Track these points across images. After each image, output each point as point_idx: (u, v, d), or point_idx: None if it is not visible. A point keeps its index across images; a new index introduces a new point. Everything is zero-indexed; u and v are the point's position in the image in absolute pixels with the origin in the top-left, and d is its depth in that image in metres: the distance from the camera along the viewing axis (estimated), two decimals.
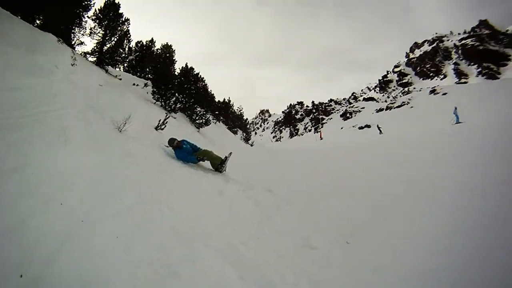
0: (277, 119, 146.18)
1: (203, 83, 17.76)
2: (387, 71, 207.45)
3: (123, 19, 13.52)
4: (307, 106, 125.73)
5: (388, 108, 72.51)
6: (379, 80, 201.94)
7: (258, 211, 5.81)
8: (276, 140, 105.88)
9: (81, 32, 12.04)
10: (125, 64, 16.00)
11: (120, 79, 11.61)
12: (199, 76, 16.42)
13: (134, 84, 12.28)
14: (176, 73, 14.95)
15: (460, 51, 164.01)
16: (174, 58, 16.52)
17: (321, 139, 52.36)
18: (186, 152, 7.55)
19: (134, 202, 3.79)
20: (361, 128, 58.36)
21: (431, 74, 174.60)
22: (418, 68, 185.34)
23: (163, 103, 11.69)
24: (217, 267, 3.21)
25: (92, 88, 8.02)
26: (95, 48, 12.14)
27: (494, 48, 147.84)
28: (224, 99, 22.74)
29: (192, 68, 15.53)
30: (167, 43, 16.95)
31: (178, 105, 12.40)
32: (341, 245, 5.08)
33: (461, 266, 4.03)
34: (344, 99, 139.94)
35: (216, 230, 4.17)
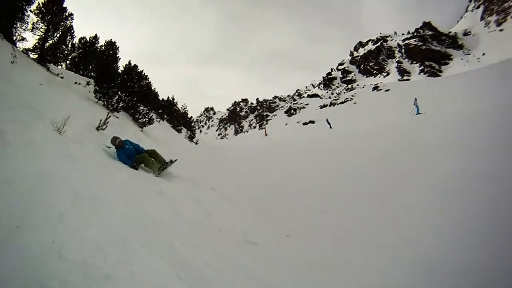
0: (222, 116, 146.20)
1: (147, 81, 17.45)
2: (331, 69, 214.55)
3: (67, 14, 12.85)
4: (251, 103, 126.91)
5: (332, 104, 75.46)
6: (323, 77, 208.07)
7: (198, 209, 5.85)
8: (221, 138, 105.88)
9: (23, 27, 11.43)
10: (68, 62, 15.24)
11: (62, 77, 11.14)
12: (143, 74, 16.06)
13: (76, 83, 11.81)
14: (119, 71, 14.59)
15: (403, 50, 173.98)
16: (118, 56, 15.95)
17: (266, 135, 53.08)
18: (127, 154, 7.36)
19: (71, 205, 3.64)
20: (305, 124, 60.13)
21: (374, 71, 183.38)
22: (362, 66, 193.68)
23: (105, 102, 11.38)
24: (155, 267, 3.22)
25: (32, 88, 7.68)
26: (36, 44, 11.45)
27: (437, 48, 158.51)
28: (168, 98, 22.45)
29: (136, 66, 15.18)
30: (111, 39, 16.27)
31: (121, 104, 12.10)
32: (280, 240, 5.36)
33: (388, 260, 4.52)
34: (288, 96, 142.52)
35: (155, 229, 4.13)
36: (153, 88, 18.76)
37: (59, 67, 13.69)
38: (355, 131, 22.33)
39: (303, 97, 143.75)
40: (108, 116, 8.63)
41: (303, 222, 6.27)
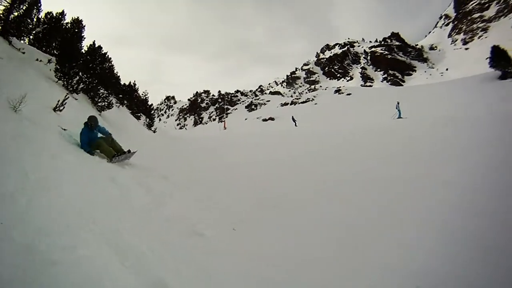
0: (182, 106, 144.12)
1: (110, 64, 17.03)
2: (296, 68, 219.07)
3: None
4: (213, 95, 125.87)
5: (293, 103, 76.88)
6: (287, 75, 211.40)
7: (149, 198, 5.87)
8: (180, 128, 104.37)
9: None
10: (31, 37, 14.48)
11: (24, 52, 10.66)
12: (106, 56, 15.67)
13: (37, 60, 11.38)
14: (83, 51, 14.13)
15: (369, 57, 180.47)
16: (83, 35, 15.26)
17: (225, 129, 53.04)
18: (90, 138, 7.25)
19: (21, 187, 3.57)
20: (265, 120, 60.98)
21: (338, 75, 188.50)
22: (327, 68, 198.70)
23: (65, 82, 11.04)
24: (100, 253, 3.22)
25: None
26: (0, 15, 10.87)
27: (402, 59, 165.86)
28: (130, 83, 21.84)
29: (100, 47, 14.73)
30: (77, 17, 15.58)
31: (81, 86, 11.74)
32: (228, 232, 5.43)
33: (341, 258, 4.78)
34: (250, 91, 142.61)
35: (103, 216, 4.11)
36: (115, 71, 18.35)
37: (22, 41, 13.09)
38: (314, 131, 22.98)
39: (265, 93, 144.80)
40: (67, 97, 8.34)
41: (252, 216, 6.39)
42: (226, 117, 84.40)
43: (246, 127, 50.13)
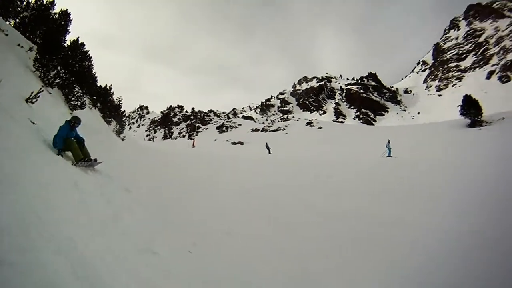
0: (154, 118, 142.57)
1: (90, 63, 16.79)
2: (271, 96, 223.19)
3: None
4: (186, 111, 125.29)
5: (264, 130, 77.67)
6: (261, 102, 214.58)
7: (108, 208, 5.75)
8: (149, 139, 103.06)
9: None
10: (17, 20, 14.10)
11: (7, 35, 10.36)
12: (87, 54, 15.53)
13: (19, 45, 11.10)
14: (65, 45, 13.86)
15: (344, 94, 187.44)
16: (68, 29, 15.13)
17: (194, 147, 52.86)
18: (68, 135, 7.10)
19: None
20: (234, 143, 61.15)
21: (312, 108, 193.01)
22: (302, 100, 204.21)
23: (42, 74, 10.82)
24: (51, 260, 3.13)
25: None
26: None
27: (376, 99, 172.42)
28: (106, 86, 21.55)
29: (82, 44, 14.63)
30: (66, 10, 15.38)
31: (57, 80, 11.55)
32: (183, 253, 5.46)
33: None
34: (224, 112, 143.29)
35: (59, 221, 4.00)
36: (93, 72, 18.07)
37: (7, 23, 12.73)
38: (284, 158, 23.33)
39: (238, 116, 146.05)
40: (41, 90, 8.14)
41: (208, 239, 6.41)
42: (196, 135, 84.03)
43: (215, 148, 50.11)
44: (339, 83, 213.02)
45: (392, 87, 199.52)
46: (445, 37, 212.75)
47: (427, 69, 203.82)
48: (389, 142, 28.06)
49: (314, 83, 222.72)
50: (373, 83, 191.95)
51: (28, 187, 4.21)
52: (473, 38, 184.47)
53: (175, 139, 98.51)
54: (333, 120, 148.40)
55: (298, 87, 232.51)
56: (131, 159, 14.98)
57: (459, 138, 33.32)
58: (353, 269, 5.45)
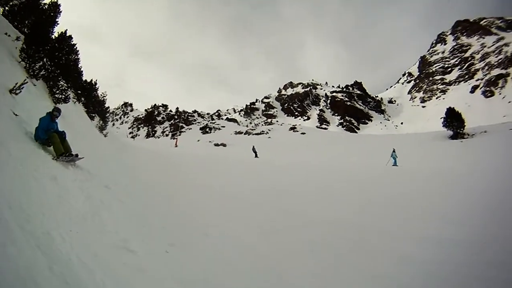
0: (138, 115, 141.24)
1: (76, 57, 16.58)
2: (256, 99, 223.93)
3: None
4: (170, 111, 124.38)
5: (247, 133, 78.09)
6: (246, 105, 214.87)
7: (87, 204, 5.73)
8: (132, 137, 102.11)
9: None
10: (7, 8, 13.83)
11: None
12: (74, 48, 15.37)
13: (6, 34, 10.90)
14: (53, 36, 13.67)
15: (329, 101, 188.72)
16: (57, 20, 14.91)
17: (176, 146, 52.63)
18: (49, 127, 7.06)
19: None
20: (216, 145, 61.01)
21: (296, 113, 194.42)
22: (286, 105, 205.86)
23: (27, 65, 10.69)
24: (28, 253, 3.16)
25: None
26: None
27: (360, 107, 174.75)
28: (91, 80, 21.27)
29: (70, 37, 14.47)
30: (56, 1, 15.15)
31: (43, 72, 11.41)
32: (160, 252, 5.46)
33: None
34: (208, 113, 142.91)
35: (37, 215, 4.01)
36: (79, 66, 17.87)
37: None
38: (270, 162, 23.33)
39: (222, 118, 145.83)
40: (25, 81, 8.04)
41: (185, 240, 6.42)
42: (179, 135, 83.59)
43: (197, 149, 49.96)
44: (324, 90, 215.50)
45: (377, 96, 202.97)
46: (432, 50, 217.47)
47: (412, 81, 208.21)
48: (394, 151, 27.37)
49: (299, 89, 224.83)
50: (358, 92, 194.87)
51: (8, 180, 4.22)
52: (459, 53, 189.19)
53: (158, 138, 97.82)
54: (317, 126, 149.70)
55: (283, 92, 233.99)
56: (113, 156, 14.87)
57: (443, 149, 33.95)
58: (330, 275, 5.51)
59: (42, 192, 4.80)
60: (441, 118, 48.44)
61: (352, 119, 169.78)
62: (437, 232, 7.42)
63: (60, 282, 3.12)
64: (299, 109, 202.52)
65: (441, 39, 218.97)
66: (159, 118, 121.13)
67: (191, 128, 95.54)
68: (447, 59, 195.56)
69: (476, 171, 18.10)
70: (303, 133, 71.32)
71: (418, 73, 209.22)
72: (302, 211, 9.80)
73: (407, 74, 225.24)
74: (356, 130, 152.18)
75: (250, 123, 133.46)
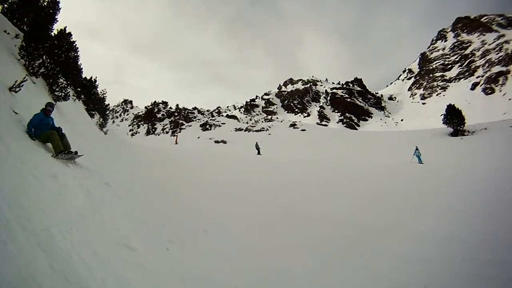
0: (138, 112, 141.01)
1: (76, 54, 16.54)
2: (256, 96, 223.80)
3: None
4: (170, 108, 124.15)
5: (247, 129, 77.87)
6: (246, 102, 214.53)
7: (87, 202, 5.73)
8: (132, 134, 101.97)
9: None
10: (6, 5, 13.77)
11: None
12: (74, 45, 15.34)
13: (5, 31, 10.88)
14: (52, 34, 13.64)
15: (329, 98, 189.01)
16: (56, 17, 14.87)
17: (176, 143, 52.57)
18: (41, 124, 7.01)
19: None
20: (217, 142, 60.72)
21: (296, 110, 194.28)
22: (287, 101, 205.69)
23: (27, 62, 10.67)
24: (29, 251, 3.17)
25: None
26: None
27: (361, 104, 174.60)
28: (91, 78, 21.23)
29: (69, 34, 14.43)
30: None
31: (42, 70, 11.39)
32: (161, 250, 5.45)
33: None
34: (208, 110, 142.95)
35: (37, 213, 4.02)
36: (79, 63, 17.83)
37: None
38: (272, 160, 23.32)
39: (222, 115, 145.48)
40: (25, 79, 8.02)
41: (185, 237, 6.43)
42: (179, 132, 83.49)
43: (197, 146, 49.86)
44: (324, 87, 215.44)
45: (377, 93, 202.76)
46: (432, 47, 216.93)
47: (413, 77, 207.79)
48: (417, 148, 26.86)
49: (299, 86, 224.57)
50: (358, 88, 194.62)
51: (8, 177, 4.22)
52: (460, 50, 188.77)
53: (158, 135, 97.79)
54: (317, 123, 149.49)
55: (283, 88, 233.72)
56: (113, 154, 14.87)
57: (443, 146, 33.92)
58: (329, 274, 5.52)
59: (42, 190, 4.80)
60: (441, 115, 48.47)
61: (352, 115, 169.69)
62: (438, 231, 7.45)
63: (60, 279, 3.13)
64: (299, 106, 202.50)
65: (441, 35, 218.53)
66: (159, 115, 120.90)
67: (191, 125, 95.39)
68: (447, 56, 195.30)
69: (477, 169, 18.10)
70: (303, 130, 71.24)
71: (418, 70, 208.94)
72: (302, 209, 9.82)
73: (407, 71, 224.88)
74: (356, 127, 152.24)
75: (250, 119, 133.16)
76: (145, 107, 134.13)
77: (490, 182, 13.10)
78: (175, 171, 14.94)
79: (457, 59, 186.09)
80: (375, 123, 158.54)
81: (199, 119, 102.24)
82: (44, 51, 11.34)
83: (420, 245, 6.63)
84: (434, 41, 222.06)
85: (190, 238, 6.44)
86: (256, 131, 74.93)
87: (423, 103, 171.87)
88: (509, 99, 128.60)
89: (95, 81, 21.26)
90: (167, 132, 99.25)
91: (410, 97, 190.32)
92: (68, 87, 13.60)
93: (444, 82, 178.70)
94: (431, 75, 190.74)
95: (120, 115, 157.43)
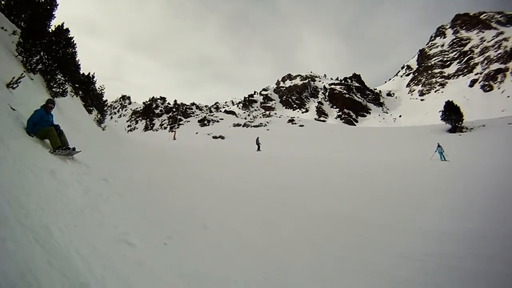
0: (136, 108, 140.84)
1: (73, 50, 16.46)
2: (255, 91, 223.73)
3: None
4: (168, 103, 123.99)
5: (245, 125, 78.05)
6: (244, 97, 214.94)
7: (85, 198, 5.73)
8: (130, 130, 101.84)
9: None
10: (3, 2, 13.65)
11: None
12: (71, 41, 15.28)
13: (2, 28, 10.83)
14: (50, 30, 13.58)
15: (327, 93, 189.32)
16: (54, 13, 14.79)
17: (174, 139, 52.62)
18: (42, 120, 6.99)
19: None
20: (215, 137, 61.01)
21: (295, 105, 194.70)
22: (285, 97, 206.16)
23: (25, 59, 10.62)
24: (28, 247, 3.18)
25: None
26: None
27: (359, 100, 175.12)
28: (89, 74, 21.17)
29: (67, 30, 14.37)
30: None
31: (40, 66, 11.34)
32: (159, 245, 5.49)
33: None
34: (206, 106, 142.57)
35: (36, 209, 4.01)
36: (77, 59, 17.74)
37: None
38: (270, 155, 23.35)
39: (220, 111, 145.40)
40: (22, 75, 7.99)
41: (184, 232, 6.47)
42: (178, 127, 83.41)
43: (196, 141, 49.89)
44: (322, 83, 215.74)
45: (376, 89, 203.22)
46: (431, 43, 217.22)
47: (411, 74, 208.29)
48: (439, 145, 26.12)
49: (298, 81, 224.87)
50: (357, 84, 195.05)
51: (6, 174, 4.22)
52: (459, 47, 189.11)
53: (156, 130, 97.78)
54: (315, 119, 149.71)
55: (281, 84, 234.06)
56: (111, 150, 14.86)
57: (441, 143, 33.96)
58: (329, 269, 5.54)
59: (40, 186, 4.79)
60: (439, 111, 48.63)
61: (350, 111, 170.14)
62: (438, 227, 7.49)
63: (59, 275, 3.13)
64: (297, 101, 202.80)
65: (440, 32, 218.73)
66: (157, 111, 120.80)
67: (189, 121, 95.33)
68: (446, 53, 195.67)
69: (476, 165, 18.14)
70: (301, 126, 71.39)
71: (417, 66, 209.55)
72: (302, 205, 9.87)
73: (405, 67, 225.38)
74: (355, 123, 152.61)
75: (249, 115, 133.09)
76: (143, 103, 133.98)
77: (490, 179, 13.14)
78: (173, 167, 14.93)
79: (455, 56, 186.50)
80: (373, 119, 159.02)
81: (197, 115, 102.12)
82: (41, 47, 11.28)
83: (420, 241, 6.66)
84: (433, 38, 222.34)
85: (189, 234, 6.47)
86: (254, 126, 75.05)
87: (422, 100, 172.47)
88: (508, 97, 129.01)
89: (93, 77, 21.16)
90: (165, 128, 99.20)
91: (408, 93, 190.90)
92: (66, 83, 13.53)
93: (443, 79, 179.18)
94: (429, 72, 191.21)
95: (118, 111, 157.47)
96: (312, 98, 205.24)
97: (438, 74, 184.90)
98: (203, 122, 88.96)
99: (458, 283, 4.87)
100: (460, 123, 42.79)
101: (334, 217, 8.67)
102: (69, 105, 13.75)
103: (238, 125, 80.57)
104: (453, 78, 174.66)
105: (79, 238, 4.18)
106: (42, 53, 11.39)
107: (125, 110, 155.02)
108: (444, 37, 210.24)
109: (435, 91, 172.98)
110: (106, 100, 24.63)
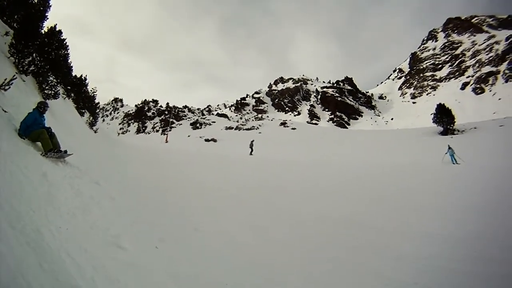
0: (129, 111, 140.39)
1: (66, 52, 16.38)
2: (247, 94, 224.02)
3: None
4: (160, 106, 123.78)
5: (237, 128, 78.17)
6: (237, 100, 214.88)
7: (77, 201, 5.69)
8: (122, 133, 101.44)
9: None
10: None
11: None
12: (64, 43, 15.19)
13: None
14: (43, 31, 13.51)
15: (319, 96, 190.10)
16: (47, 15, 14.72)
17: (166, 142, 52.53)
18: (35, 122, 6.97)
19: None
20: (207, 140, 61.03)
21: (287, 108, 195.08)
22: (277, 100, 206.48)
23: (17, 60, 10.57)
24: (18, 251, 3.18)
25: None
26: None
27: (351, 103, 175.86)
28: (81, 76, 21.06)
29: (60, 32, 14.32)
30: None
31: (32, 68, 11.30)
32: (150, 248, 5.46)
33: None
34: (198, 109, 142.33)
35: (26, 212, 4.02)
36: (69, 61, 17.66)
37: None
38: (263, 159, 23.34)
39: (213, 114, 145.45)
40: (14, 76, 7.94)
41: (176, 236, 6.48)
42: (170, 130, 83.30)
43: (188, 144, 49.78)
44: (315, 86, 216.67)
45: (368, 92, 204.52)
46: (423, 47, 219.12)
47: (403, 77, 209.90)
48: (449, 147, 25.16)
49: (290, 84, 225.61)
50: (349, 87, 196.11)
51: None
52: (450, 50, 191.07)
53: (149, 133, 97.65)
54: (307, 122, 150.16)
55: (274, 87, 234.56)
56: (103, 153, 14.79)
57: (435, 144, 34.10)
58: (324, 273, 5.55)
59: (31, 189, 4.78)
60: (431, 114, 49.07)
61: (342, 114, 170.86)
62: (437, 230, 7.55)
63: (50, 278, 3.14)
64: (289, 105, 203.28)
65: (432, 36, 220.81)
66: (149, 114, 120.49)
67: (181, 124, 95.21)
68: (437, 56, 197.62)
69: (471, 168, 18.29)
70: (293, 129, 71.83)
71: (409, 70, 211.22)
72: (296, 209, 9.90)
73: (397, 70, 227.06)
74: (347, 126, 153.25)
75: (241, 118, 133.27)
76: (136, 106, 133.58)
77: (487, 182, 13.22)
78: (165, 170, 14.93)
79: (447, 59, 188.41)
80: (365, 122, 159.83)
81: (189, 118, 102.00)
82: (34, 48, 11.22)
83: (419, 244, 6.71)
84: (425, 41, 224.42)
85: (181, 237, 6.48)
86: (246, 129, 75.20)
87: (413, 102, 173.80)
88: (499, 99, 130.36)
89: (85, 79, 21.05)
90: (157, 131, 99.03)
91: (400, 96, 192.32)
92: (58, 85, 13.46)
93: (435, 82, 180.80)
94: (421, 75, 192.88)
95: (110, 113, 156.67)
96: (304, 101, 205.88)
97: (430, 77, 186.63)
98: (195, 125, 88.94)
99: (457, 285, 4.91)
100: (452, 125, 43.21)
101: (329, 220, 8.70)
102: (61, 108, 13.67)
103: (230, 128, 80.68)
104: (444, 81, 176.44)
105: (71, 241, 4.18)
106: (34, 54, 11.33)
107: (117, 113, 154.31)
108: (436, 41, 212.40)
109: (427, 94, 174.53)
110: (98, 103, 24.53)
